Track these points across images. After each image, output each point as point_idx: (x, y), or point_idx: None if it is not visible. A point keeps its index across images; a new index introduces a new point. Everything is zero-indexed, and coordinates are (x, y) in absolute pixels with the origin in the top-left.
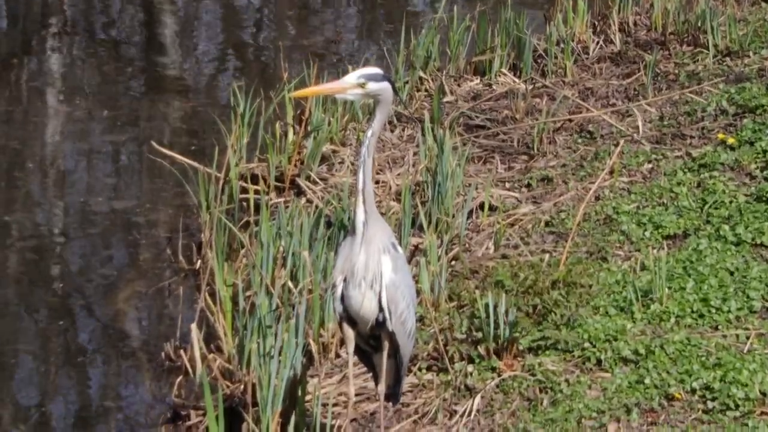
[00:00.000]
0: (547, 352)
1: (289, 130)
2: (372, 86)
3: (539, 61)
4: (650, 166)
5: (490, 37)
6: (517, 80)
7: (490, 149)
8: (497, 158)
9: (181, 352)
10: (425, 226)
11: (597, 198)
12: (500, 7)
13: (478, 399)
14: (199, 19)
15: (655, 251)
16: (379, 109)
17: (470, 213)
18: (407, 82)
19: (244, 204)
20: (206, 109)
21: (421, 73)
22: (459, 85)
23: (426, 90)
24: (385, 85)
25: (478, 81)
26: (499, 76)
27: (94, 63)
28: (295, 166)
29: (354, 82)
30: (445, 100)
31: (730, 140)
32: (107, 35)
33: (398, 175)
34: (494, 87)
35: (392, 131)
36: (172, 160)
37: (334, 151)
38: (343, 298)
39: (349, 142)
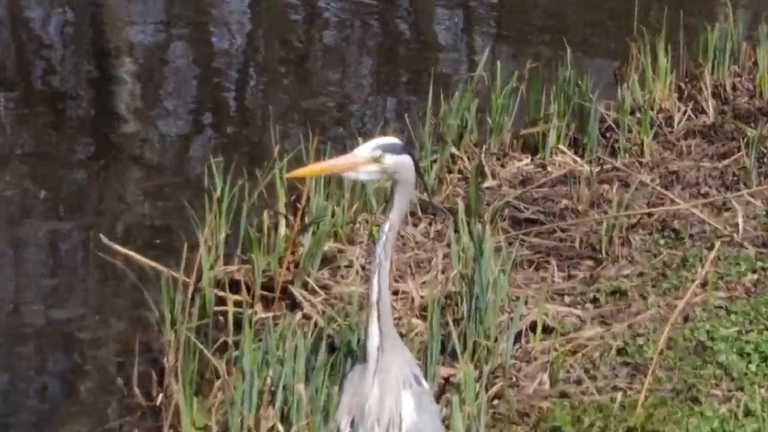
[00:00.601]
0: None
1: (281, 221)
2: (390, 160)
3: (608, 135)
4: (755, 276)
5: (544, 103)
6: (579, 160)
7: (545, 251)
8: (553, 263)
9: None
10: (459, 352)
11: (685, 319)
12: (557, 63)
13: None
14: (165, 71)
15: (763, 390)
16: (399, 194)
17: (518, 336)
18: (435, 161)
19: (221, 319)
20: (173, 191)
21: (454, 149)
22: (503, 166)
23: (460, 171)
24: (406, 160)
25: (529, 160)
26: (556, 154)
27: (29, 125)
28: (288, 269)
29: (368, 156)
30: (485, 185)
31: None
32: (47, 88)
33: (423, 284)
34: (549, 169)
35: (415, 226)
36: (127, 258)
37: (339, 251)
38: None
39: (359, 239)
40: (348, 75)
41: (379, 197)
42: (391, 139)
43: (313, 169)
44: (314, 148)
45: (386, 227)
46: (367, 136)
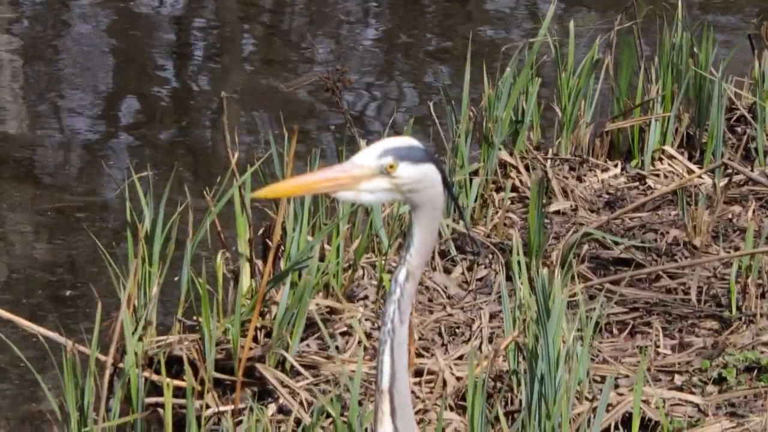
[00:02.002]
0: None
1: (243, 267)
2: (407, 172)
3: (739, 130)
4: None
5: (641, 83)
6: (695, 168)
7: (644, 308)
8: (657, 326)
9: None
10: None
11: None
12: (660, 22)
13: None
14: (65, 46)
15: None
16: (421, 223)
17: None
18: (476, 173)
19: (155, 415)
20: (79, 221)
21: (505, 155)
22: (580, 179)
23: (515, 188)
24: (431, 171)
25: (618, 170)
26: (660, 160)
27: None
28: (256, 340)
29: (372, 166)
30: (552, 208)
31: None
32: None
33: (460, 359)
34: (650, 182)
35: (447, 271)
36: (10, 324)
37: (331, 312)
38: None
39: (361, 294)
40: (343, 45)
41: (392, 229)
42: (408, 141)
43: (290, 186)
44: (292, 156)
45: (402, 274)
46: (372, 136)
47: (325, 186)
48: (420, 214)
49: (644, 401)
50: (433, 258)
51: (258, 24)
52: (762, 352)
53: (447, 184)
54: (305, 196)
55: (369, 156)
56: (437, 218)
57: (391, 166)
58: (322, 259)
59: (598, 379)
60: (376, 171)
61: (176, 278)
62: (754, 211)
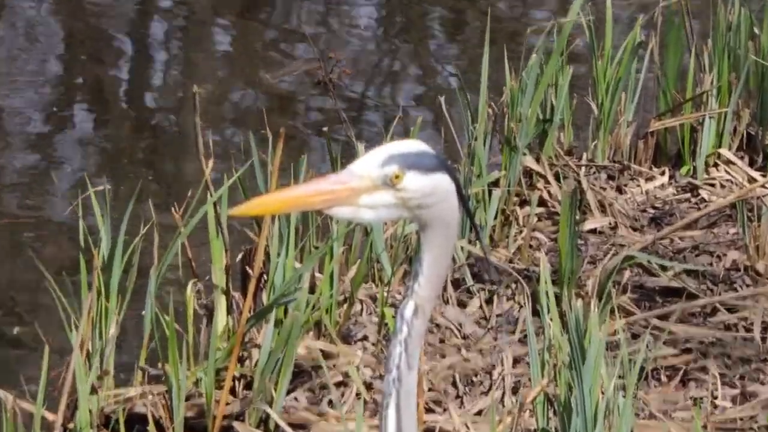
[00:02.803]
0: None
1: (219, 302)
2: (415, 183)
3: None
4: None
5: (692, 72)
6: (758, 177)
7: (698, 349)
8: (713, 371)
9: None
10: None
11: None
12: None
13: None
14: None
15: None
16: (432, 245)
17: None
18: (496, 183)
19: None
20: (21, 241)
21: (530, 161)
22: (620, 190)
23: (542, 202)
24: (444, 182)
25: (666, 179)
26: (716, 165)
27: None
28: (233, 392)
29: (374, 176)
30: (586, 226)
31: None
32: None
33: (479, 414)
34: (703, 193)
35: (462, 305)
36: None
37: (325, 356)
38: None
39: (359, 334)
40: (335, 29)
41: (396, 252)
42: (416, 145)
43: (275, 201)
44: (277, 164)
45: (409, 309)
46: (373, 139)
47: (318, 201)
48: (430, 234)
49: None
50: (444, 289)
51: (232, 3)
52: None
53: (463, 198)
54: (293, 214)
55: (370, 164)
56: (451, 239)
57: (397, 176)
58: (312, 290)
59: None
60: (378, 182)
61: (139, 315)
62: None
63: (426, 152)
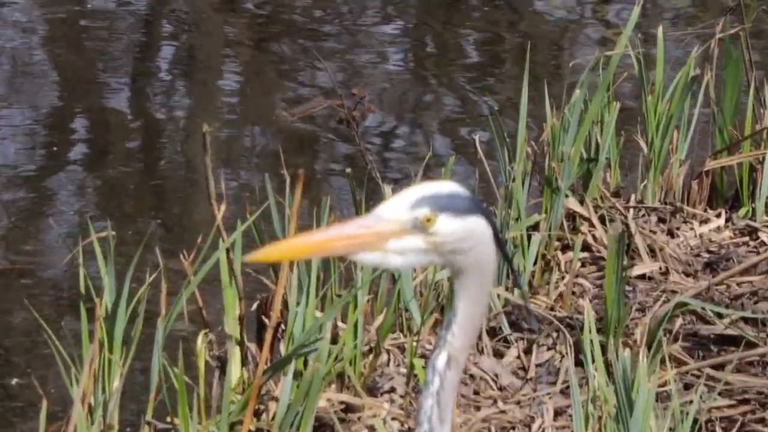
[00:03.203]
0: None
1: (233, 353)
2: (448, 226)
3: None
4: None
5: (751, 108)
6: None
7: (756, 399)
8: None
9: None
10: None
11: None
12: None
13: None
14: None
15: None
16: (465, 291)
17: None
18: (536, 227)
19: None
20: (17, 287)
21: (573, 203)
22: (671, 234)
23: (586, 246)
24: (479, 225)
25: (722, 221)
26: None
27: None
28: None
29: (404, 219)
30: (635, 271)
31: None
32: None
33: None
34: (763, 236)
35: (499, 355)
36: None
37: (348, 410)
38: None
39: (386, 386)
40: (357, 62)
41: (425, 300)
42: (449, 186)
43: (295, 247)
44: (296, 208)
45: (441, 360)
46: (400, 181)
47: (340, 246)
48: (465, 281)
49: None
50: (480, 338)
51: (245, 32)
52: None
53: (500, 242)
54: (313, 260)
55: (399, 207)
56: (486, 286)
57: (428, 219)
58: (334, 341)
59: None
60: (407, 226)
61: (146, 367)
62: None
63: (459, 193)
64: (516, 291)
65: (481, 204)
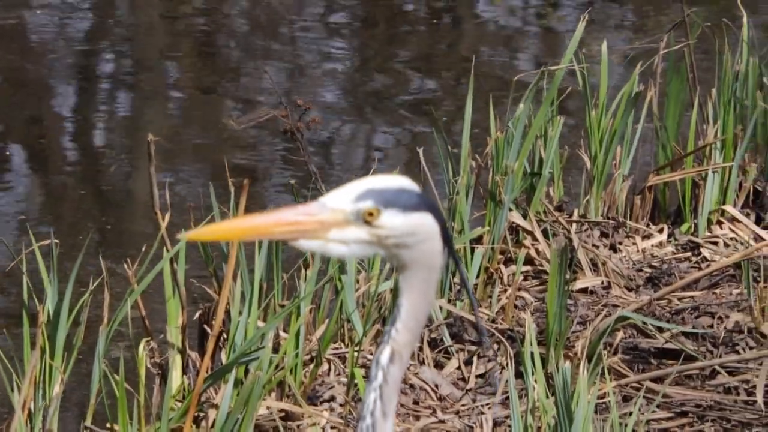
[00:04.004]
0: None
1: (174, 361)
2: (393, 221)
3: None
4: None
5: (694, 123)
6: (763, 234)
7: (695, 412)
8: None
9: None
10: None
11: None
12: (717, 44)
13: None
14: None
15: None
16: (410, 286)
17: None
18: (479, 240)
19: None
20: None
21: (516, 216)
22: (614, 249)
23: (529, 260)
24: (426, 222)
25: (664, 237)
26: (719, 223)
27: None
28: None
29: (347, 211)
30: (577, 285)
31: None
32: None
33: None
34: (705, 252)
35: (439, 366)
36: None
37: (287, 418)
38: None
39: (323, 394)
40: (299, 72)
41: (368, 311)
42: (399, 181)
43: (234, 228)
44: (241, 215)
45: (385, 355)
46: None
47: (279, 231)
48: (410, 276)
49: None
50: (420, 349)
51: (188, 40)
52: None
53: (449, 241)
54: (257, 268)
55: (344, 197)
56: (432, 283)
57: (371, 213)
58: (276, 350)
59: None
60: (350, 217)
61: (87, 373)
62: None
63: (407, 189)
64: (458, 303)
65: (430, 201)
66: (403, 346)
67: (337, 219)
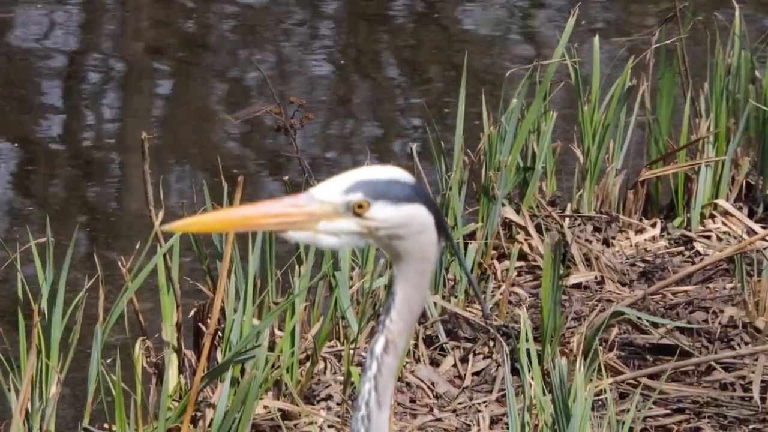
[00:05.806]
0: None
1: (170, 360)
2: (383, 213)
3: None
4: None
5: (687, 118)
6: (757, 228)
7: (691, 408)
8: (707, 431)
9: None
10: None
11: None
12: (709, 38)
13: None
14: None
15: None
16: (404, 276)
17: None
18: (473, 235)
19: None
20: None
21: (510, 212)
22: (607, 243)
23: (522, 255)
24: (420, 213)
25: (657, 231)
26: (712, 217)
27: None
28: None
29: (336, 203)
30: (571, 280)
31: None
32: None
33: None
34: (698, 246)
35: (435, 363)
36: None
37: (284, 416)
38: None
39: (320, 392)
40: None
41: (363, 308)
42: (390, 172)
43: (222, 219)
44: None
45: (380, 345)
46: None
47: (267, 223)
48: (404, 266)
49: None
50: (416, 346)
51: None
52: None
53: (446, 231)
54: (251, 264)
55: (333, 189)
56: (428, 273)
57: (360, 206)
58: (272, 348)
59: None
60: (340, 209)
61: (83, 373)
62: None
63: (399, 180)
64: (453, 299)
65: (424, 192)
66: (398, 335)
67: (326, 211)
